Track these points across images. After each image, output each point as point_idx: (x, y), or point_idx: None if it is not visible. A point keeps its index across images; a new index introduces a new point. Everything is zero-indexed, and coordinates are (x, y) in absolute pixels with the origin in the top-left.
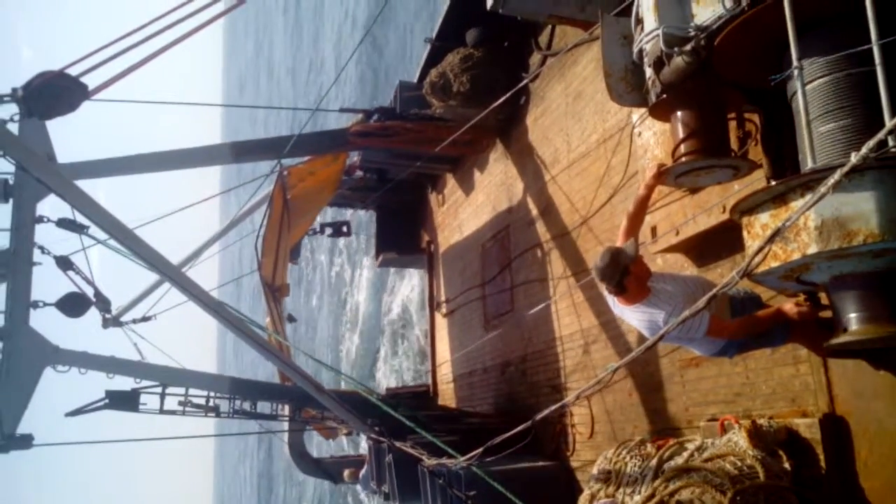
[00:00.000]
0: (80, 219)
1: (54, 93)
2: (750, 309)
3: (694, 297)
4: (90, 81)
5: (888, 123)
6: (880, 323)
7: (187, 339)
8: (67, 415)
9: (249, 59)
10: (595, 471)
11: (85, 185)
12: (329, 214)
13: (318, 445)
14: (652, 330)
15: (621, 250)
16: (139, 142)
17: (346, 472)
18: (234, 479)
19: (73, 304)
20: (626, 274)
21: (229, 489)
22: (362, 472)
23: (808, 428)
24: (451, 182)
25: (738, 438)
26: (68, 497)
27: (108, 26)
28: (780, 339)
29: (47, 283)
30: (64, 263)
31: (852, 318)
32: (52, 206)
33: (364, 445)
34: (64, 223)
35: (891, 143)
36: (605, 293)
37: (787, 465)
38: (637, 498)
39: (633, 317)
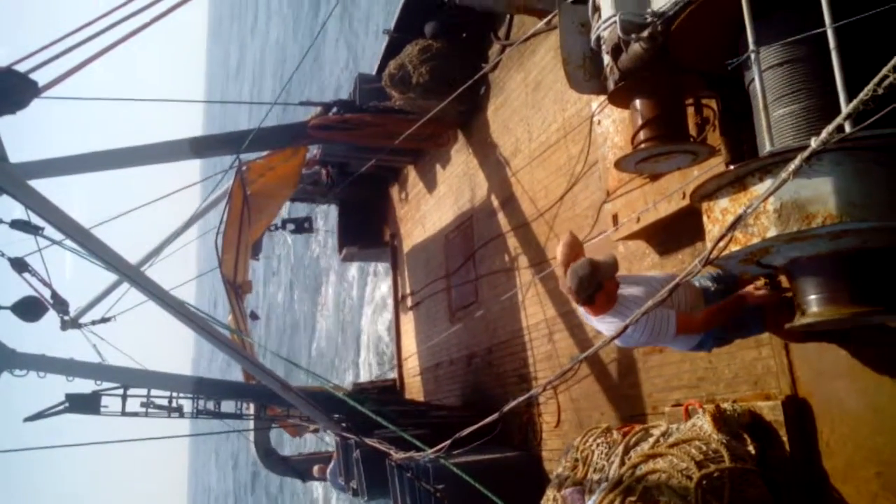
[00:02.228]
0: (36, 219)
1: (1, 90)
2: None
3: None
4: (43, 77)
5: (844, 108)
6: (840, 304)
7: (161, 339)
8: (26, 420)
9: (231, 54)
10: (562, 459)
11: (54, 184)
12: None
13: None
14: (620, 339)
15: (600, 266)
16: (113, 139)
17: (314, 468)
18: (207, 480)
19: (28, 309)
20: (598, 289)
21: (203, 485)
22: (330, 467)
23: (771, 410)
24: (412, 175)
25: (703, 423)
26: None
27: (53, 19)
28: (756, 329)
29: (2, 285)
30: (19, 265)
31: (812, 300)
32: (4, 207)
33: (327, 441)
34: (18, 224)
35: (848, 128)
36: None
37: (751, 448)
38: (604, 485)
39: (601, 326)
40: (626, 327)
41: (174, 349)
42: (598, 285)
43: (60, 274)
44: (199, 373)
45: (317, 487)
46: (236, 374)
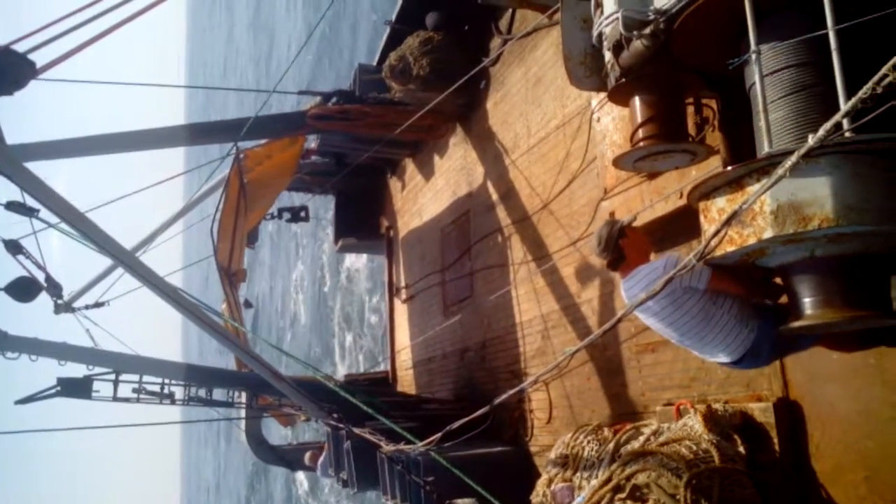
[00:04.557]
0: (31, 202)
1: None
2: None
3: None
4: (39, 59)
5: (843, 107)
6: (834, 308)
7: (148, 325)
8: (17, 402)
9: (214, 40)
10: (552, 455)
11: (42, 168)
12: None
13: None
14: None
15: (617, 220)
16: (100, 124)
17: (306, 455)
18: (199, 465)
19: (22, 289)
20: (621, 235)
21: (196, 474)
22: (321, 459)
23: (762, 412)
24: (410, 167)
25: (694, 423)
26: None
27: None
28: (812, 338)
29: None
30: (13, 247)
31: (807, 303)
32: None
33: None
34: (13, 206)
35: (846, 125)
36: (608, 268)
37: (741, 449)
38: (594, 482)
39: (634, 286)
40: (642, 301)
41: (162, 335)
42: (620, 232)
43: (48, 257)
44: (191, 360)
45: None
46: (230, 362)
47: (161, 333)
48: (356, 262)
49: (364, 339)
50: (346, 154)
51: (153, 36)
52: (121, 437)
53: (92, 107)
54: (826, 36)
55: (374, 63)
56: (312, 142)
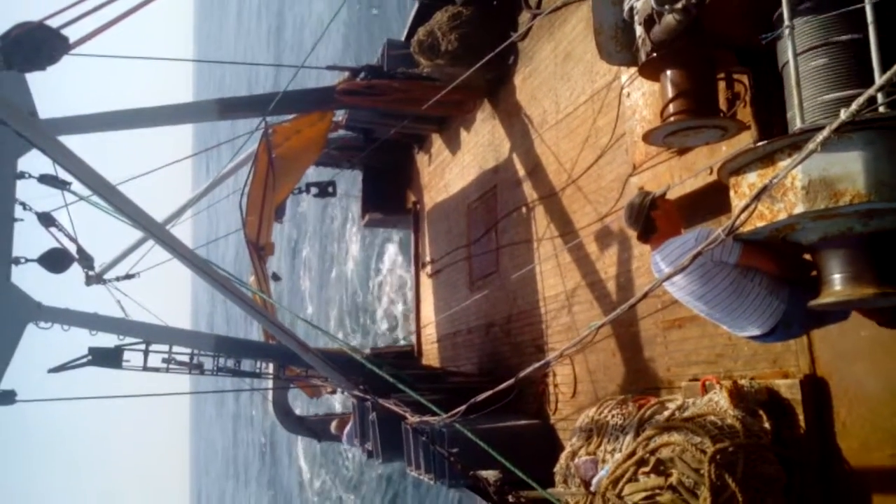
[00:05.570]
0: (63, 174)
1: (34, 44)
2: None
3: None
4: (69, 34)
5: (877, 80)
6: (864, 284)
7: (162, 297)
8: (50, 371)
9: (223, 13)
10: (577, 428)
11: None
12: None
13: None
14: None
15: (648, 191)
16: (113, 99)
17: (333, 424)
18: (209, 441)
19: (55, 260)
20: (653, 207)
21: (205, 448)
22: (347, 430)
23: (788, 389)
24: (437, 142)
25: (719, 398)
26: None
27: None
28: (844, 313)
29: (29, 239)
30: (46, 220)
31: (836, 279)
32: (33, 162)
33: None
34: (46, 179)
35: (880, 99)
36: (639, 240)
37: (766, 425)
38: (618, 456)
39: (664, 258)
40: (671, 275)
41: (171, 303)
42: (652, 203)
43: (86, 229)
44: (199, 327)
45: None
46: (238, 328)
47: (170, 301)
48: (355, 244)
49: (366, 318)
50: (373, 129)
51: (160, 20)
52: (129, 413)
53: (99, 87)
54: (862, 10)
55: (403, 38)
56: (340, 116)
